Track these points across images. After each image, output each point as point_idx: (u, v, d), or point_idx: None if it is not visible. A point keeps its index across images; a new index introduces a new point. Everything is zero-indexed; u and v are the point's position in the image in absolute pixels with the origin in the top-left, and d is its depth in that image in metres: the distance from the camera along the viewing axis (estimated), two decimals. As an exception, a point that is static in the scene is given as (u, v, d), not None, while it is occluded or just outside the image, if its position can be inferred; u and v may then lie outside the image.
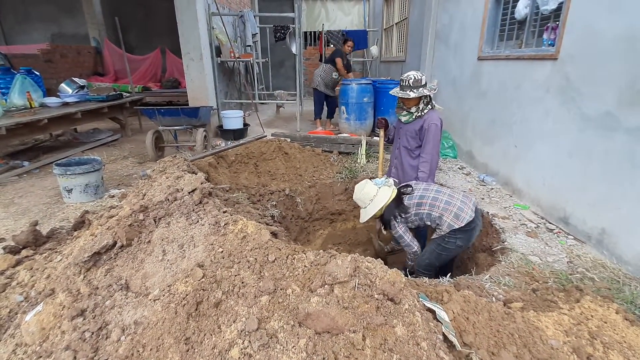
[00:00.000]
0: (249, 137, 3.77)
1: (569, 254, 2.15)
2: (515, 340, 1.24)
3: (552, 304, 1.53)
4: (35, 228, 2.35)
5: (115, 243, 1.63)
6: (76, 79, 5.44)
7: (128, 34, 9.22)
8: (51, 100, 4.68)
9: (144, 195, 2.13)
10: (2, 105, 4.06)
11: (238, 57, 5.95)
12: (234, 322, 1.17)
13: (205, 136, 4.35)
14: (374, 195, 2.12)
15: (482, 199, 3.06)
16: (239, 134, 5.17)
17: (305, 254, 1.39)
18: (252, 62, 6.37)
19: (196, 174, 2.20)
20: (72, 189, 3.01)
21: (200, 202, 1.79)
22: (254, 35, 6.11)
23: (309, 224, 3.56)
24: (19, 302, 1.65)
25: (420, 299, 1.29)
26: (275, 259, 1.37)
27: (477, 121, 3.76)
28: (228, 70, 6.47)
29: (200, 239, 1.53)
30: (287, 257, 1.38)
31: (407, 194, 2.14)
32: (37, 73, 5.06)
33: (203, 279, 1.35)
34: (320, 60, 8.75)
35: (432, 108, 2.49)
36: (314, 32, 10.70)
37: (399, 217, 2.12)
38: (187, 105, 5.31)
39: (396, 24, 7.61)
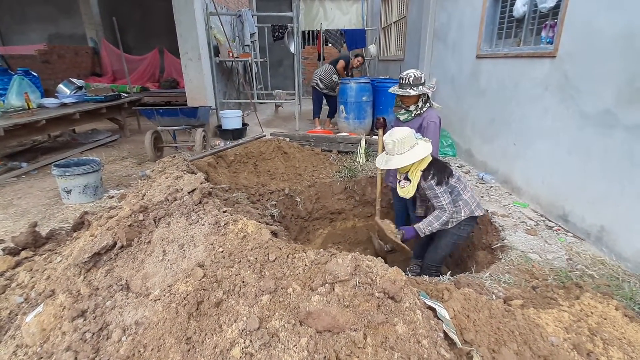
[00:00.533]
0: (247, 137, 3.76)
1: (569, 251, 2.16)
2: (516, 337, 1.25)
3: (552, 301, 1.53)
4: (35, 229, 2.34)
5: (115, 243, 1.63)
6: (74, 80, 5.42)
7: (126, 34, 9.16)
8: (49, 101, 4.66)
9: (144, 195, 2.13)
10: (0, 107, 4.05)
11: (236, 57, 5.94)
12: (235, 321, 1.17)
13: (204, 136, 4.34)
14: (415, 143, 1.98)
15: (482, 197, 3.06)
16: (237, 133, 5.16)
17: (305, 253, 1.39)
18: (250, 61, 6.36)
19: (195, 174, 2.19)
20: (71, 190, 3.00)
21: (200, 202, 1.79)
22: (252, 34, 6.10)
23: (309, 224, 3.56)
24: (19, 303, 1.65)
25: (421, 297, 1.30)
26: (276, 258, 1.37)
27: (476, 120, 3.77)
28: (226, 70, 6.46)
29: (200, 239, 1.53)
30: (287, 257, 1.38)
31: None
32: (35, 74, 5.04)
33: (204, 279, 1.35)
34: (319, 59, 8.74)
35: (430, 106, 2.49)
36: (312, 32, 10.69)
37: (445, 179, 2.01)
38: (186, 105, 5.30)
39: (394, 22, 7.60)
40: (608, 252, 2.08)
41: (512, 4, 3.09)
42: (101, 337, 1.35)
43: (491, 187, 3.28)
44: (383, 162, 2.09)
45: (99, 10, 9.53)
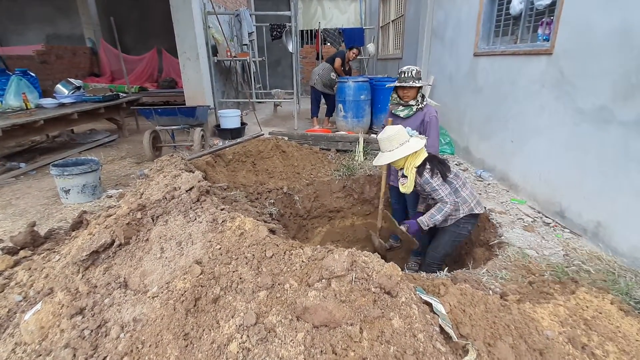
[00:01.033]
0: (246, 136, 3.77)
1: (565, 247, 2.17)
2: (511, 331, 1.26)
3: (548, 295, 1.54)
4: (33, 229, 2.34)
5: (113, 242, 1.63)
6: (72, 80, 5.42)
7: (124, 34, 9.16)
8: (47, 102, 4.66)
9: (142, 194, 2.13)
10: (-3, 107, 4.05)
11: (234, 56, 5.94)
12: (232, 317, 1.18)
13: (202, 135, 4.34)
14: (405, 140, 2.02)
15: (480, 194, 3.07)
16: (236, 133, 5.17)
17: (302, 249, 1.39)
18: (248, 61, 6.36)
19: (193, 172, 2.20)
20: (69, 190, 3.00)
21: (198, 200, 1.80)
22: (250, 34, 6.10)
23: (308, 222, 3.57)
24: (17, 301, 1.65)
25: (417, 292, 1.30)
26: (273, 254, 1.38)
27: (474, 117, 3.78)
28: (225, 69, 6.46)
29: (198, 237, 1.54)
30: (284, 253, 1.38)
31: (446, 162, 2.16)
32: (33, 74, 5.03)
33: (201, 276, 1.35)
34: (317, 58, 8.74)
35: (426, 102, 2.51)
36: (311, 31, 10.68)
37: (439, 173, 2.04)
38: (184, 105, 5.30)
39: (392, 21, 7.61)
40: (604, 247, 2.09)
41: (509, 2, 3.10)
42: (99, 334, 1.36)
43: (489, 184, 3.29)
44: (377, 159, 2.14)
45: (97, 11, 9.52)
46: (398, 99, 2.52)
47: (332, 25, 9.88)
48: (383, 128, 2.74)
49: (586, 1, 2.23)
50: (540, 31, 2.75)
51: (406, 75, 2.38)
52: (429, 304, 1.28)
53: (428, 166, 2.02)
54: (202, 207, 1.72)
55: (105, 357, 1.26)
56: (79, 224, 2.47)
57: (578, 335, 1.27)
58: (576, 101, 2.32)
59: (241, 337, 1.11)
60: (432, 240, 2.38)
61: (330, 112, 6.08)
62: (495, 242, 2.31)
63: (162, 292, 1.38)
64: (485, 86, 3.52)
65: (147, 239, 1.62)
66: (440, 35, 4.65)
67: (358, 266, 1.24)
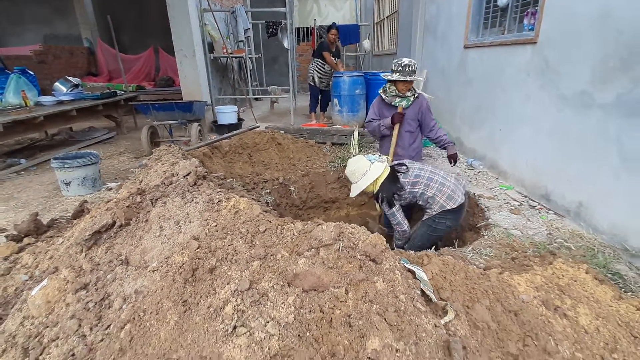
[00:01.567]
0: (242, 129, 3.84)
1: (549, 227, 2.26)
2: (489, 295, 1.34)
3: (527, 267, 1.63)
4: (37, 218, 2.42)
5: (114, 223, 1.71)
6: (70, 78, 5.48)
7: (121, 34, 9.22)
8: (46, 99, 4.72)
9: (141, 181, 2.22)
10: (-3, 104, 4.11)
11: (231, 53, 6.00)
12: (227, 284, 1.26)
13: (199, 130, 4.42)
14: (366, 169, 2.11)
15: (470, 181, 3.16)
16: (233, 128, 5.22)
17: (293, 224, 1.48)
18: (245, 57, 6.43)
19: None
20: (70, 182, 3.08)
21: (195, 184, 1.88)
22: (246, 30, 6.17)
23: (303, 212, 3.65)
24: (24, 280, 1.73)
25: (402, 262, 1.39)
26: (266, 229, 1.47)
27: (465, 108, 3.86)
28: (221, 66, 6.52)
29: (195, 215, 1.62)
30: (277, 228, 1.47)
31: (402, 172, 2.18)
32: (32, 72, 5.09)
33: (198, 249, 1.43)
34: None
35: None
36: (307, 28, 10.75)
37: (395, 195, 2.15)
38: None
39: (387, 17, 7.69)
40: (586, 226, 2.18)
41: (496, -6, 3.18)
42: (103, 306, 1.44)
43: (479, 172, 3.37)
44: (351, 191, 2.22)
45: (93, 11, 9.57)
46: (396, 91, 2.61)
47: (328, 23, 9.94)
48: (370, 124, 2.84)
49: (567, -10, 2.32)
50: (525, 21, 2.83)
51: (410, 69, 2.48)
52: (413, 272, 1.37)
53: (380, 195, 2.15)
54: (199, 190, 1.80)
55: (109, 325, 1.34)
56: (80, 212, 2.55)
57: (552, 299, 1.36)
58: (559, 88, 2.41)
59: (236, 301, 1.20)
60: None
61: (323, 107, 6.15)
62: (483, 224, 2.40)
63: (161, 266, 1.46)
64: (475, 77, 3.60)
65: (147, 220, 1.70)
66: (433, 29, 4.73)
67: (345, 236, 1.33)
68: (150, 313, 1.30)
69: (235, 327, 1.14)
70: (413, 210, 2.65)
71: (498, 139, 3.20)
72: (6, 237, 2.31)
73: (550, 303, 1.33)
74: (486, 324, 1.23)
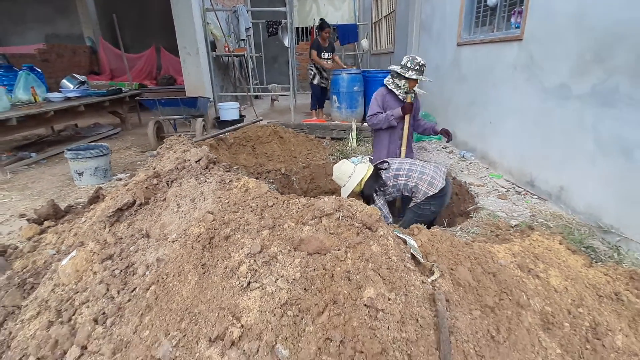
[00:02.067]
0: (245, 122, 4.01)
1: (533, 209, 2.45)
2: (471, 260, 1.52)
3: (508, 240, 1.81)
4: (55, 203, 2.59)
5: (134, 202, 1.88)
6: (77, 75, 5.63)
7: (123, 33, 9.33)
8: (54, 95, 4.88)
9: (154, 168, 2.38)
10: (8, 100, 4.26)
11: (232, 52, 6.17)
12: (241, 249, 1.44)
13: (204, 126, 4.59)
14: (351, 172, 2.31)
15: (462, 171, 3.35)
16: (235, 124, 5.41)
17: (298, 199, 1.65)
18: (246, 56, 6.60)
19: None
20: (83, 172, 3.24)
21: (207, 168, 2.05)
22: (247, 29, 6.33)
23: (304, 202, 3.82)
24: (51, 254, 1.90)
25: (394, 232, 1.57)
26: (274, 204, 1.64)
27: (458, 103, 4.05)
28: (223, 65, 6.69)
29: (209, 194, 1.79)
30: (283, 202, 1.64)
31: (384, 169, 2.36)
32: (39, 70, 5.24)
33: (213, 222, 1.60)
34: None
35: None
36: (306, 28, 10.93)
37: (378, 191, 2.33)
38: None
39: (385, 17, 7.87)
40: (565, 208, 2.37)
41: (487, -6, 3.37)
42: (128, 273, 1.60)
43: (470, 163, 3.56)
44: (341, 193, 2.39)
45: (95, 10, 9.70)
46: (407, 87, 2.82)
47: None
48: (374, 117, 3.01)
49: (549, -10, 2.51)
50: (513, 20, 3.02)
51: (425, 68, 2.75)
52: (404, 241, 1.54)
53: (364, 194, 2.31)
54: (210, 173, 1.97)
55: (135, 288, 1.51)
56: (95, 198, 2.71)
57: (526, 263, 1.54)
58: (542, 81, 2.59)
59: (249, 262, 1.37)
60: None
61: (321, 103, 6.31)
62: (472, 208, 2.58)
63: (180, 238, 1.63)
64: (467, 73, 3.79)
65: (164, 199, 1.87)
66: (428, 28, 4.91)
67: (344, 208, 1.50)
68: (173, 276, 1.47)
69: (249, 283, 1.31)
70: (406, 205, 2.82)
71: (488, 132, 3.39)
72: (27, 220, 2.47)
73: (525, 266, 1.51)
74: (467, 282, 1.40)
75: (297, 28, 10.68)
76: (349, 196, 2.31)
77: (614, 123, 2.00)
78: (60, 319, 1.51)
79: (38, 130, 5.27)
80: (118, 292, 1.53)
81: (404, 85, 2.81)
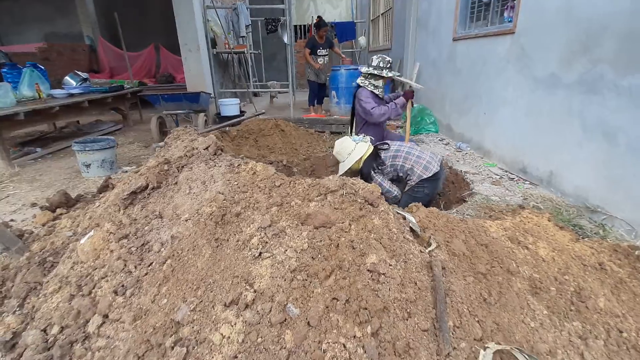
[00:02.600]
0: (247, 115, 4.11)
1: (524, 193, 2.57)
2: (465, 234, 1.63)
3: (500, 218, 1.93)
4: (66, 192, 2.68)
5: (147, 185, 1.98)
6: (79, 72, 5.70)
7: (122, 32, 9.41)
8: (58, 92, 4.95)
9: (164, 156, 2.48)
10: (14, 96, 4.33)
11: (232, 49, 6.26)
12: (252, 223, 1.54)
13: (205, 120, 4.68)
14: (352, 149, 2.42)
15: (457, 161, 3.47)
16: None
17: (304, 179, 1.76)
18: (246, 53, 6.69)
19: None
20: (90, 164, 3.33)
21: (215, 154, 2.15)
22: (247, 26, 6.42)
23: (306, 193, 3.93)
24: (68, 236, 1.99)
25: (394, 209, 1.68)
26: (281, 184, 1.74)
27: (454, 96, 4.17)
28: (223, 62, 6.78)
29: (219, 177, 1.89)
30: (289, 183, 1.75)
31: (384, 149, 2.49)
32: (42, 67, 5.31)
33: (224, 201, 1.71)
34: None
35: None
36: (304, 26, 11.02)
37: (376, 169, 2.45)
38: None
39: (382, 14, 7.99)
40: (555, 191, 2.49)
41: (481, -10, 3.49)
42: (144, 250, 1.70)
43: (466, 153, 3.68)
44: (338, 169, 2.50)
45: (94, 9, 9.75)
46: (383, 85, 3.00)
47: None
48: (378, 109, 3.11)
49: (539, -14, 2.63)
50: (506, 14, 3.14)
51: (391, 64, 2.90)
52: (403, 217, 1.66)
53: (363, 171, 2.41)
54: (219, 158, 2.07)
55: (152, 263, 1.61)
56: (105, 187, 2.80)
57: (517, 236, 1.66)
58: (533, 72, 2.71)
59: (260, 235, 1.48)
60: None
61: (320, 99, 6.41)
62: (467, 193, 2.70)
63: (193, 217, 1.73)
64: (462, 67, 3.91)
65: (176, 182, 1.97)
66: (425, 24, 5.03)
67: (347, 186, 1.61)
68: (187, 250, 1.57)
69: (260, 254, 1.42)
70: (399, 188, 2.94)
71: (483, 123, 3.51)
72: (40, 208, 2.56)
73: (515, 239, 1.63)
74: (462, 252, 1.52)
75: (295, 26, 10.76)
76: (345, 173, 2.42)
77: (598, 109, 2.12)
78: (81, 293, 1.61)
79: (41, 126, 5.34)
80: (135, 267, 1.63)
81: (382, 84, 2.95)
